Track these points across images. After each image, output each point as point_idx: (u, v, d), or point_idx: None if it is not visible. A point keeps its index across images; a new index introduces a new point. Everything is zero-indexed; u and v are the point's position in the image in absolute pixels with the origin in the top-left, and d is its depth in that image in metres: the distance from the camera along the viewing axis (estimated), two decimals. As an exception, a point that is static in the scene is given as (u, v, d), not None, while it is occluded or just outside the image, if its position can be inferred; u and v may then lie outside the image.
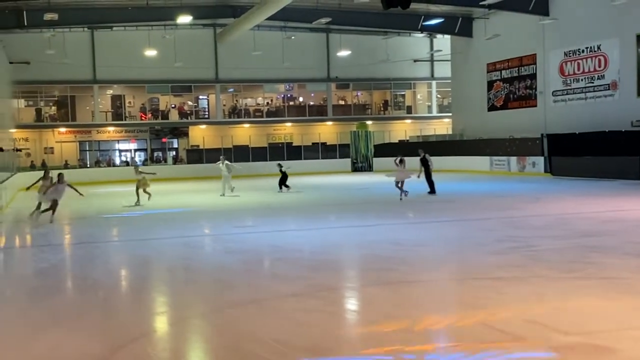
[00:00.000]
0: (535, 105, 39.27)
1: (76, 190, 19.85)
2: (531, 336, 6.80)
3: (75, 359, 6.63)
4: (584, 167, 31.71)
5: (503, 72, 42.06)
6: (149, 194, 23.74)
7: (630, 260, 10.76)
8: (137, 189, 23.79)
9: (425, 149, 26.32)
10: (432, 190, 24.42)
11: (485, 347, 6.52)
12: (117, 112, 49.29)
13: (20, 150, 44.87)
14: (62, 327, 7.87)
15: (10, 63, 41.27)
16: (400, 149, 43.82)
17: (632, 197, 22.13)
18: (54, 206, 18.87)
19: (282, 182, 28.23)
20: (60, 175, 19.67)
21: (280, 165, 28.59)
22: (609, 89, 34.03)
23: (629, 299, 8.20)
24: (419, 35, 50.27)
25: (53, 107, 48.52)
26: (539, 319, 7.37)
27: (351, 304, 9.16)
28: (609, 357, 6.10)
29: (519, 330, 7.02)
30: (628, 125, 31.25)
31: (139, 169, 25.05)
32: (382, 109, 54.67)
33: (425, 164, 24.60)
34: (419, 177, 24.25)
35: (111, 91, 49.33)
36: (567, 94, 36.91)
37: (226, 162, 28.24)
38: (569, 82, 36.72)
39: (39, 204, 19.30)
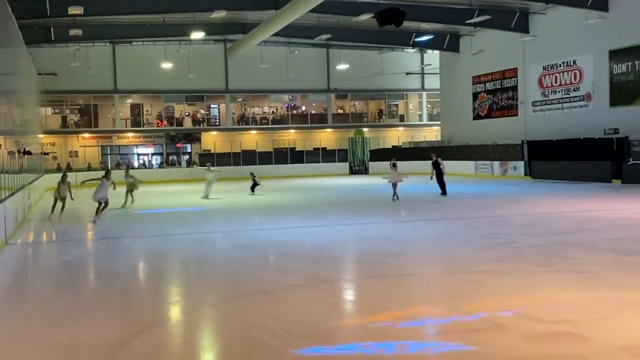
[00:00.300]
0: (517, 115, 39.23)
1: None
2: (511, 324, 6.81)
3: (96, 344, 6.62)
4: (561, 171, 31.73)
5: (487, 84, 42.05)
6: (133, 198, 23.22)
7: (603, 255, 10.76)
8: (127, 191, 23.11)
9: (438, 153, 26.23)
10: (444, 192, 24.03)
11: (470, 334, 6.54)
12: (136, 120, 49.30)
13: (47, 154, 44.78)
14: (83, 316, 7.88)
15: (39, 74, 41.26)
16: (394, 154, 43.89)
17: (605, 198, 22.14)
18: (104, 204, 18.65)
19: (253, 187, 28.38)
20: (107, 172, 19.49)
21: (252, 175, 28.90)
22: (583, 100, 34.01)
23: (603, 291, 8.21)
24: (411, 50, 50.22)
25: (77, 115, 48.50)
26: (519, 309, 7.38)
27: (349, 295, 9.17)
28: (583, 344, 6.10)
29: (501, 319, 7.03)
30: (601, 133, 31.22)
31: (129, 173, 24.50)
32: (377, 117, 54.67)
33: (437, 167, 24.30)
34: (431, 178, 24.19)
35: (130, 100, 49.31)
36: (545, 104, 36.90)
37: (212, 168, 28.10)
38: (547, 93, 36.71)
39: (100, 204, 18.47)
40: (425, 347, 6.39)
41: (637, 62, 30.34)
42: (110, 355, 6.27)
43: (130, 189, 23.24)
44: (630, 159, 28.20)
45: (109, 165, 47.61)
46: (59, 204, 19.68)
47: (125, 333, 6.99)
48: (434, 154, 25.05)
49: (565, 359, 5.76)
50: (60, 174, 21.27)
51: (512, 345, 6.14)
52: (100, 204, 18.29)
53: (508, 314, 7.21)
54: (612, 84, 31.85)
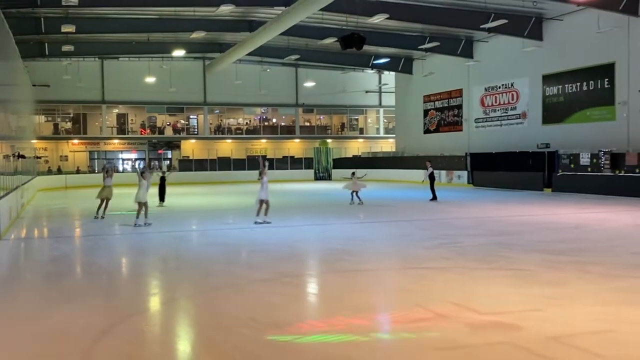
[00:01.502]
0: (461, 130, 39.68)
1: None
2: (453, 315, 6.86)
3: (81, 331, 6.53)
4: (499, 180, 32.18)
5: (436, 102, 42.44)
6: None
7: (534, 255, 10.89)
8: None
9: (432, 162, 26.33)
10: (434, 197, 23.89)
11: (417, 323, 6.59)
12: (122, 128, 48.68)
13: (39, 157, 44.07)
14: (70, 305, 7.76)
15: (34, 85, 40.52)
16: (354, 163, 44.13)
17: (537, 204, 22.48)
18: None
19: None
20: (143, 173, 17.02)
21: (163, 179, 24.42)
22: (519, 118, 34.53)
23: (533, 286, 8.32)
24: (370, 71, 50.53)
25: (68, 123, 47.69)
26: (460, 301, 7.44)
27: (311, 288, 9.16)
28: (515, 333, 6.19)
29: (444, 310, 7.08)
30: (534, 147, 31.74)
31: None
32: (339, 129, 54.80)
33: (432, 176, 24.30)
34: (422, 182, 24.93)
35: (117, 110, 48.65)
36: (486, 121, 37.37)
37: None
38: (488, 112, 37.19)
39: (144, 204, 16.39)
40: (377, 334, 6.43)
41: (566, 86, 30.95)
42: (94, 340, 6.18)
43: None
44: (560, 171, 28.72)
45: (96, 169, 47.00)
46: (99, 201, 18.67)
47: (108, 321, 6.89)
48: (429, 163, 25.08)
49: (499, 346, 5.82)
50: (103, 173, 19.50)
51: (453, 334, 6.20)
52: (140, 205, 16.34)
53: (451, 305, 7.26)
54: (545, 104, 32.41)
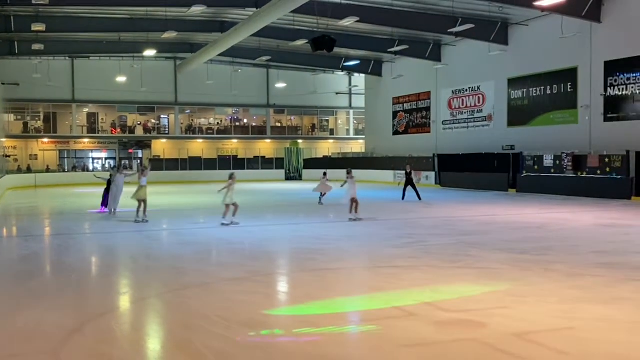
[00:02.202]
0: (429, 132, 40.01)
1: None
2: (421, 312, 6.91)
3: (52, 330, 6.43)
4: (466, 181, 32.51)
5: (405, 104, 42.74)
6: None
7: (499, 254, 11.01)
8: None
9: (412, 164, 26.48)
10: (419, 197, 23.77)
11: (385, 320, 6.63)
12: (92, 127, 48.00)
13: (9, 156, 43.29)
14: (40, 304, 7.62)
15: (3, 84, 39.80)
16: (324, 163, 44.19)
17: (502, 204, 22.76)
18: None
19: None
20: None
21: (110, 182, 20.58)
22: (485, 121, 34.96)
23: (498, 284, 8.41)
24: (340, 73, 50.65)
25: (38, 121, 46.91)
26: (428, 299, 7.49)
27: (281, 286, 9.15)
28: (480, 330, 6.25)
29: (412, 307, 7.12)
30: (499, 149, 32.17)
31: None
32: (310, 130, 54.82)
33: (409, 178, 24.22)
34: (398, 184, 25.01)
35: (87, 109, 47.95)
36: (453, 123, 37.75)
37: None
38: (455, 114, 37.57)
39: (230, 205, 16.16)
40: (347, 332, 6.45)
41: (531, 89, 31.44)
42: (64, 338, 6.09)
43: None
44: (524, 172, 29.15)
45: (66, 168, 46.27)
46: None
47: (78, 320, 6.79)
48: (409, 166, 25.13)
49: (465, 343, 5.88)
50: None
51: (420, 331, 6.24)
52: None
53: (418, 303, 7.31)
54: (510, 107, 32.87)
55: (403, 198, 24.13)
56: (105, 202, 20.36)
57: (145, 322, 7.15)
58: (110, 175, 20.43)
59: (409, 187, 24.22)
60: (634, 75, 25.82)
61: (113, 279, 9.63)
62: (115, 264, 11.08)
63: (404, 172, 25.29)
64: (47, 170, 43.88)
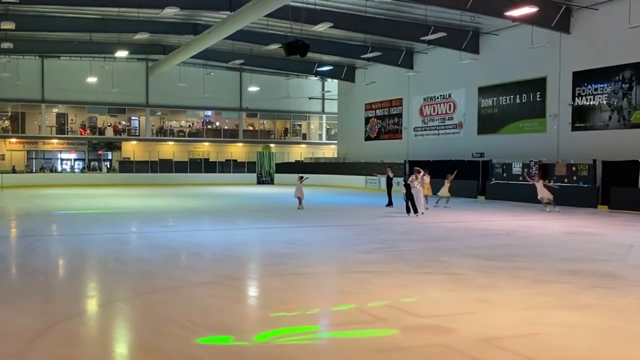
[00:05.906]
0: (401, 138, 40.29)
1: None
2: (391, 318, 6.93)
3: (17, 333, 6.29)
4: (436, 187, 32.64)
5: (377, 110, 42.98)
6: None
7: (469, 260, 11.08)
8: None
9: (392, 168, 26.46)
10: (390, 203, 23.70)
11: (355, 325, 6.63)
12: (61, 128, 47.27)
13: (-26, 156, 42.38)
14: (5, 306, 7.44)
15: (-31, 82, 39.04)
16: (296, 168, 44.16)
17: (472, 211, 23.00)
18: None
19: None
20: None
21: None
22: (456, 128, 35.33)
23: (467, 290, 8.46)
24: (313, 78, 50.74)
25: (6, 121, 46.03)
26: (398, 305, 7.51)
27: (252, 291, 9.10)
28: (448, 335, 6.29)
29: (382, 313, 7.14)
30: (469, 156, 32.51)
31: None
32: (283, 135, 54.78)
33: (389, 181, 24.21)
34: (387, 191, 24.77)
35: (56, 110, 47.20)
36: (425, 130, 38.07)
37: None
38: (426, 121, 37.90)
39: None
40: (317, 336, 6.43)
41: (501, 98, 31.88)
42: (29, 342, 5.96)
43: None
44: (493, 179, 29.50)
45: (34, 169, 45.45)
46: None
47: (44, 323, 6.66)
48: (389, 169, 25.12)
49: (434, 348, 5.92)
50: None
51: (390, 336, 6.26)
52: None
53: (388, 308, 7.33)
54: (480, 115, 33.28)
55: (390, 203, 23.77)
56: None
57: (113, 326, 7.04)
58: None
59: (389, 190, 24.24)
60: (601, 85, 26.37)
61: (80, 282, 9.47)
62: (83, 266, 10.89)
63: (377, 177, 25.36)
64: (14, 171, 43.07)
